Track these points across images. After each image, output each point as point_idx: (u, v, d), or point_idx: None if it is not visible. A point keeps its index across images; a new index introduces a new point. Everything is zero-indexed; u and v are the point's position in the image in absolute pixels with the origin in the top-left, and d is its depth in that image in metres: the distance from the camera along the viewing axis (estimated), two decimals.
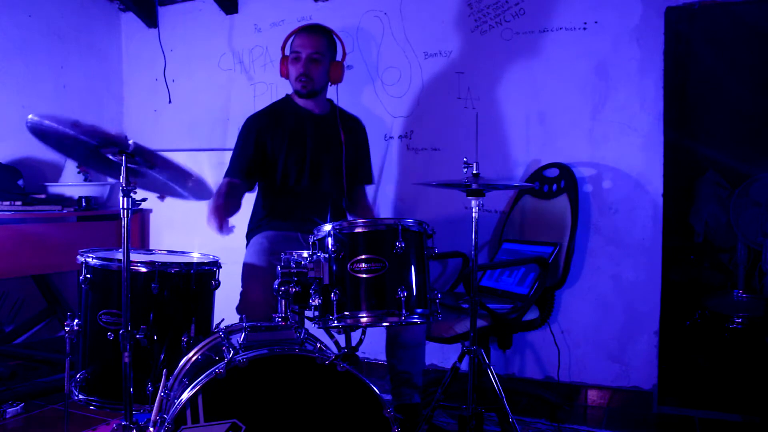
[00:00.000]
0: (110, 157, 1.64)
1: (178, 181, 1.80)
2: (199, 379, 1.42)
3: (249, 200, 2.56)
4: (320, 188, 2.47)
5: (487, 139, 2.91)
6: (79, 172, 3.26)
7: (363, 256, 1.66)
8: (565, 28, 2.78)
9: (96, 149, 1.62)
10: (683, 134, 2.65)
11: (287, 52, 2.48)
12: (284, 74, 2.49)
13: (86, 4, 3.63)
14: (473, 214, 2.01)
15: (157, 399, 1.64)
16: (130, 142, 1.56)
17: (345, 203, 2.53)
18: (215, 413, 1.40)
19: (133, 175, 1.70)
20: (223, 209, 2.17)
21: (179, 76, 3.63)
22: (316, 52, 2.40)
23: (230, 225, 2.16)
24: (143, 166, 1.69)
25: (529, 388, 2.80)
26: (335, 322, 1.65)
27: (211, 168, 3.49)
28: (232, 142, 2.49)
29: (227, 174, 2.41)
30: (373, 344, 2.81)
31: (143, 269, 1.83)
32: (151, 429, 1.51)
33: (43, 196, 3.09)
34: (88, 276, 1.88)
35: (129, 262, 1.62)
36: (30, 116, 1.51)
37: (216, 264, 2.00)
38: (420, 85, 3.07)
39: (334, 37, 2.51)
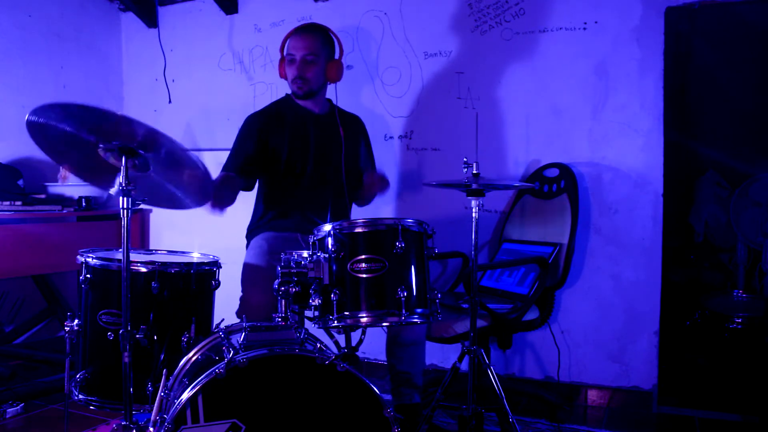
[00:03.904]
0: (105, 156, 1.63)
1: (178, 181, 1.80)
2: (199, 379, 1.42)
3: (248, 200, 2.56)
4: (321, 187, 2.46)
5: (487, 139, 2.91)
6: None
7: (363, 256, 1.66)
8: (565, 28, 2.78)
9: (95, 146, 1.62)
10: (683, 134, 2.65)
11: (285, 52, 2.48)
12: (283, 75, 2.48)
13: (86, 4, 3.63)
14: (473, 214, 2.01)
15: (157, 399, 1.64)
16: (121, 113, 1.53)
17: (347, 201, 2.54)
18: (215, 413, 1.40)
19: (135, 168, 1.68)
20: (215, 200, 2.16)
21: (179, 76, 3.63)
22: (310, 53, 2.38)
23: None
24: (143, 168, 1.68)
25: (529, 388, 2.80)
26: (335, 322, 1.65)
27: (210, 168, 3.49)
28: (231, 143, 2.49)
29: (224, 168, 2.40)
30: (373, 344, 2.81)
31: (143, 269, 1.83)
32: (151, 429, 1.51)
33: (43, 196, 3.09)
34: (88, 276, 1.87)
35: (129, 262, 1.61)
36: (27, 116, 1.50)
37: (216, 264, 2.00)
38: (420, 85, 3.07)
39: (331, 35, 2.50)
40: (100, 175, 1.77)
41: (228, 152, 2.46)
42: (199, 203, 1.94)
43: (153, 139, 1.58)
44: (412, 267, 1.71)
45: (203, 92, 3.56)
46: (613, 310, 2.75)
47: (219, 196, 2.18)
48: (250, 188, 2.52)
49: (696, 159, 2.67)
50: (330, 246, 1.69)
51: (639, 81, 2.66)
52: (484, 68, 2.93)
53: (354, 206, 2.66)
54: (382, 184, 2.48)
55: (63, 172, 1.92)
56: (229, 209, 2.28)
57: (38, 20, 3.37)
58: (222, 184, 2.27)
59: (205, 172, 1.71)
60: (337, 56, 2.50)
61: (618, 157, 2.71)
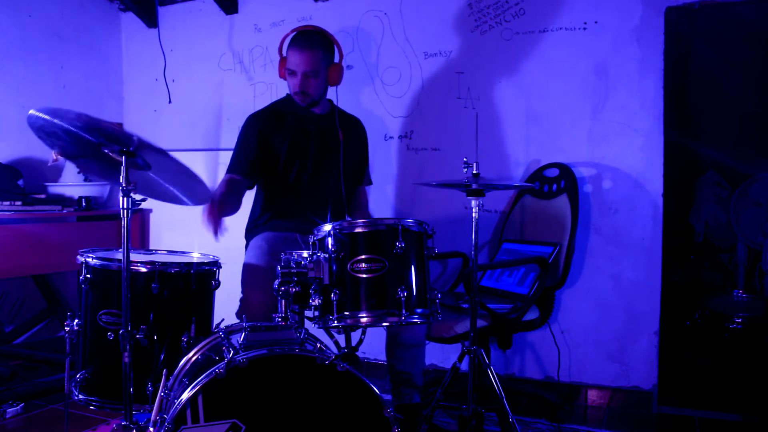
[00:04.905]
0: (110, 154, 1.63)
1: (179, 183, 1.80)
2: (199, 379, 1.42)
3: (248, 199, 2.56)
4: (320, 188, 2.46)
5: (487, 139, 2.91)
6: (79, 172, 3.26)
7: (363, 256, 1.66)
8: (565, 28, 2.78)
9: (97, 147, 1.62)
10: (683, 134, 2.65)
11: (284, 53, 2.47)
12: (282, 76, 2.48)
13: (86, 4, 3.63)
14: (473, 214, 2.01)
15: (157, 399, 1.64)
16: (134, 137, 1.54)
17: (345, 203, 2.54)
18: (215, 413, 1.40)
19: (135, 167, 1.68)
20: (219, 211, 2.13)
21: (179, 76, 3.63)
22: (312, 70, 2.36)
23: (224, 227, 2.14)
24: (143, 167, 1.69)
25: (529, 388, 2.80)
26: (335, 322, 1.65)
27: (210, 168, 3.50)
28: (231, 143, 2.49)
29: (229, 170, 2.41)
30: (373, 344, 2.81)
31: (143, 269, 1.83)
32: (151, 429, 1.51)
33: (43, 196, 3.09)
34: (88, 276, 1.88)
35: (129, 262, 1.62)
36: (31, 111, 1.50)
37: (216, 264, 2.00)
38: (420, 85, 3.07)
39: (330, 39, 2.47)
40: (101, 168, 1.77)
41: (228, 152, 2.46)
42: (199, 203, 1.94)
43: (149, 149, 1.58)
44: (412, 267, 1.71)
45: (203, 92, 3.56)
46: (613, 310, 2.75)
47: (224, 202, 2.18)
48: (252, 187, 2.52)
49: (696, 159, 2.67)
50: (330, 246, 1.69)
51: (639, 81, 2.66)
52: (484, 68, 2.93)
53: None
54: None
55: (54, 155, 1.92)
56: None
57: (38, 20, 3.37)
58: (228, 189, 2.26)
59: (205, 188, 1.71)
60: (336, 60, 2.49)
61: (618, 157, 2.71)
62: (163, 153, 1.58)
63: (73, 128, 1.55)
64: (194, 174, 1.65)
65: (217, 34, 3.51)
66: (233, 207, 2.30)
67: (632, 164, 2.69)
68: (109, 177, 1.84)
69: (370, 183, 2.70)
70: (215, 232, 2.11)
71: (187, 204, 1.92)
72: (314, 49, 2.38)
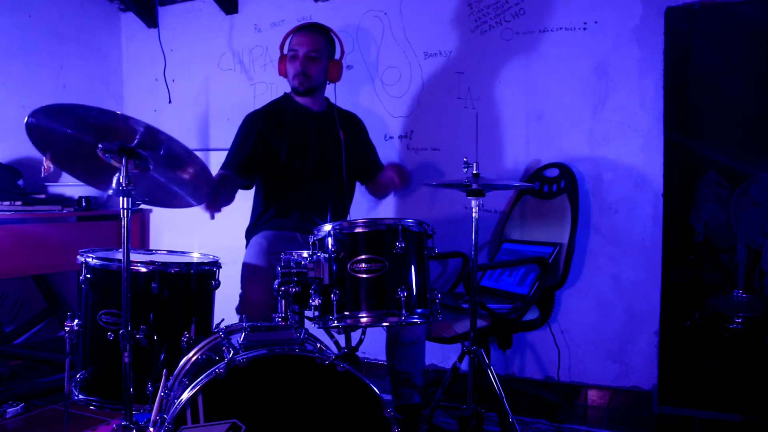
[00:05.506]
0: (109, 160, 1.63)
1: (178, 178, 1.79)
2: (199, 379, 1.42)
3: (249, 199, 2.57)
4: (320, 186, 2.47)
5: (487, 139, 2.91)
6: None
7: (363, 256, 1.66)
8: (565, 28, 2.78)
9: (94, 146, 1.61)
10: (683, 134, 2.65)
11: (286, 50, 2.49)
12: (283, 73, 2.49)
13: (86, 4, 3.63)
14: (473, 214, 2.01)
15: (157, 399, 1.64)
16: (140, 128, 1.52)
17: (348, 201, 2.54)
18: (215, 413, 1.40)
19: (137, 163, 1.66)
20: (214, 199, 2.14)
21: (179, 76, 3.63)
22: (314, 50, 2.40)
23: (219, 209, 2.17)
24: (146, 158, 1.67)
25: (529, 388, 2.80)
26: (335, 322, 1.66)
27: (210, 169, 3.49)
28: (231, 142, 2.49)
29: (223, 166, 2.40)
30: (373, 344, 2.81)
31: (143, 269, 1.83)
32: (151, 429, 1.51)
33: (43, 196, 3.09)
34: (88, 276, 1.88)
35: (129, 262, 1.61)
36: (26, 119, 1.50)
37: (216, 264, 2.00)
38: (420, 85, 3.07)
39: (333, 35, 2.51)
40: (97, 175, 1.77)
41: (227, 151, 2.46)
42: (200, 200, 1.94)
43: (152, 137, 1.57)
44: (412, 267, 1.71)
45: (203, 92, 3.56)
46: (613, 310, 2.75)
47: (216, 195, 2.18)
48: (249, 187, 2.52)
49: (696, 159, 2.68)
50: (330, 246, 1.69)
51: (639, 81, 2.66)
52: (484, 68, 2.93)
53: (353, 206, 2.66)
54: (402, 176, 2.51)
55: (46, 163, 1.91)
56: (229, 208, 2.28)
57: (38, 20, 3.37)
58: (219, 183, 2.27)
59: (205, 168, 1.70)
60: (337, 56, 2.51)
61: (618, 157, 2.71)
62: (163, 137, 1.55)
63: (70, 130, 1.54)
64: (193, 157, 1.61)
65: (217, 34, 3.51)
66: (225, 199, 2.29)
67: (632, 164, 2.69)
68: (107, 181, 1.81)
69: (382, 168, 2.68)
70: (211, 215, 2.16)
71: (189, 204, 1.91)
72: (317, 33, 2.45)
